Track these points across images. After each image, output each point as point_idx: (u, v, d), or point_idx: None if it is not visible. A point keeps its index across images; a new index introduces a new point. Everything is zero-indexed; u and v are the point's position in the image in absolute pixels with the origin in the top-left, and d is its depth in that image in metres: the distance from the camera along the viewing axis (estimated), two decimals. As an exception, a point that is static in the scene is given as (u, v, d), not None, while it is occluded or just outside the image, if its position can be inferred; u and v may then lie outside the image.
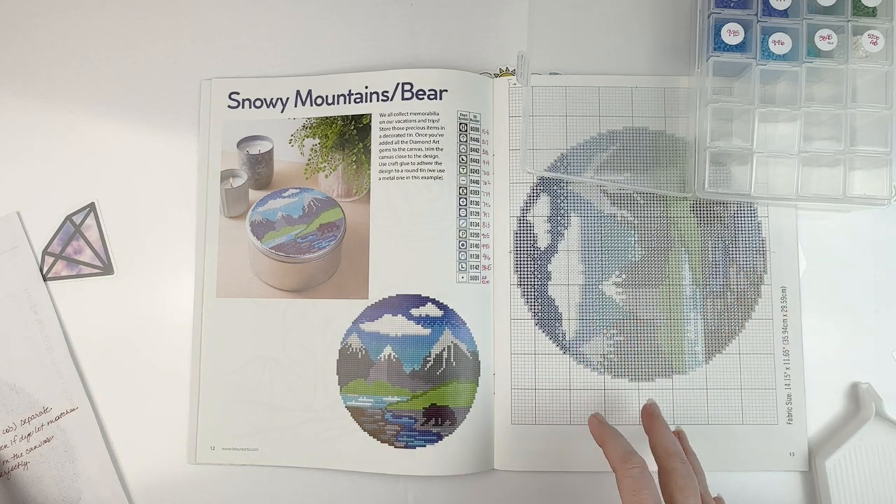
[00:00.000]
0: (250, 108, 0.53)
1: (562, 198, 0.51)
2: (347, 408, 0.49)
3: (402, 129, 0.51)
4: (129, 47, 0.54)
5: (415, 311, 0.49)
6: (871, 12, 0.47)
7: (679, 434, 0.45)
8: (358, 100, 0.52)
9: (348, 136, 0.52)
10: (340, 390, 0.49)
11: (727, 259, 0.50)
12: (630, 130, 0.51)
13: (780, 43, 0.47)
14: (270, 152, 0.52)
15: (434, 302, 0.49)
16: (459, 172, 0.50)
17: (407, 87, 0.51)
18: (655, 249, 0.50)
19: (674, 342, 0.49)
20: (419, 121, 0.50)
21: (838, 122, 0.47)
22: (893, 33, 0.46)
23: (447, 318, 0.49)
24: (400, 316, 0.49)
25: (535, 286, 0.50)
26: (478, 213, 0.50)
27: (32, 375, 0.50)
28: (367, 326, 0.49)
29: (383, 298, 0.49)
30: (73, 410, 0.50)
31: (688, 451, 0.43)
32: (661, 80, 0.51)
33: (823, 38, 0.47)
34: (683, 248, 0.50)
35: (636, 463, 0.38)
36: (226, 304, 0.51)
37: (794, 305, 0.49)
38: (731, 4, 0.47)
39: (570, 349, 0.49)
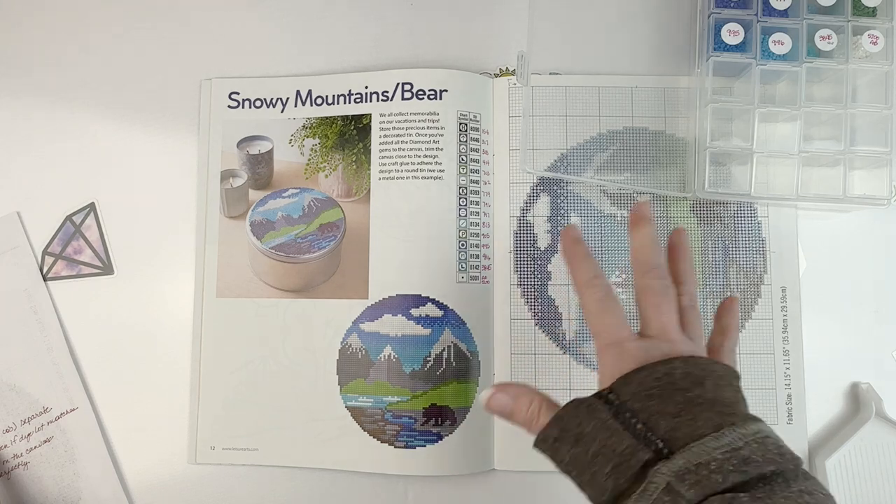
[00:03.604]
0: (250, 108, 0.53)
1: (562, 198, 0.51)
2: (347, 408, 0.49)
3: (402, 129, 0.51)
4: (129, 47, 0.54)
5: (415, 311, 0.49)
6: (871, 12, 0.47)
7: (679, 233, 0.39)
8: (358, 100, 0.52)
9: (348, 136, 0.52)
10: (340, 390, 0.49)
11: (727, 259, 0.50)
12: (630, 130, 0.51)
13: (780, 43, 0.47)
14: (270, 152, 0.52)
15: (434, 302, 0.49)
16: (459, 172, 0.50)
17: (407, 87, 0.51)
18: (655, 249, 0.50)
19: (674, 342, 0.49)
20: (419, 121, 0.50)
21: (838, 122, 0.47)
22: (893, 33, 0.46)
23: (447, 318, 0.49)
24: (400, 316, 0.49)
25: (535, 286, 0.50)
26: (478, 213, 0.50)
27: (32, 375, 0.50)
28: (367, 326, 0.49)
29: (383, 298, 0.49)
30: (73, 410, 0.50)
31: (682, 251, 0.38)
32: (661, 80, 0.51)
33: (823, 38, 0.47)
34: (683, 248, 0.50)
35: (602, 285, 0.34)
36: (226, 304, 0.51)
37: (794, 305, 0.49)
38: (731, 4, 0.47)
39: (570, 349, 0.49)
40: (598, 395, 0.31)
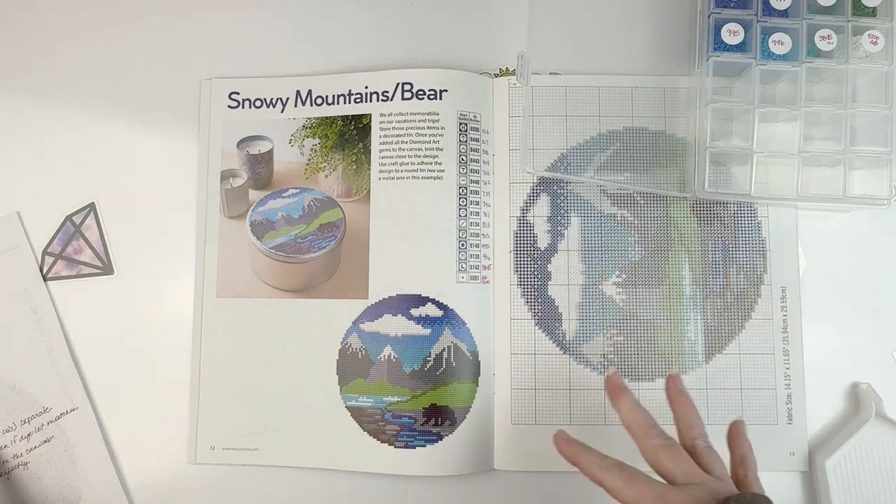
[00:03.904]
0: (250, 108, 0.53)
1: (562, 198, 0.51)
2: (347, 408, 0.49)
3: (402, 129, 0.51)
4: (130, 47, 0.54)
5: (415, 311, 0.49)
6: (871, 12, 0.47)
7: (672, 379, 0.41)
8: (358, 100, 0.52)
9: (348, 136, 0.52)
10: (340, 390, 0.49)
11: (727, 259, 0.50)
12: (630, 130, 0.51)
13: (780, 43, 0.47)
14: (270, 152, 0.52)
15: (434, 302, 0.49)
16: (459, 172, 0.50)
17: (407, 87, 0.51)
18: (655, 249, 0.50)
19: (674, 342, 0.49)
20: (419, 121, 0.51)
21: (838, 122, 0.47)
22: (893, 33, 0.46)
23: (447, 318, 0.49)
24: (400, 316, 0.49)
25: (535, 286, 0.50)
26: (478, 213, 0.50)
27: (32, 375, 0.50)
28: (367, 326, 0.49)
29: (383, 298, 0.49)
30: (73, 410, 0.50)
31: (683, 396, 0.40)
32: (661, 80, 0.51)
33: (823, 38, 0.47)
34: (683, 248, 0.50)
35: (613, 464, 0.36)
36: (226, 304, 0.51)
37: (794, 305, 0.49)
38: (731, 4, 0.47)
39: (570, 349, 0.49)
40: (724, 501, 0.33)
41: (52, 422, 0.50)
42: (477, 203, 0.50)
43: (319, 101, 0.52)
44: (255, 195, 0.52)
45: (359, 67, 0.53)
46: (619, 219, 0.51)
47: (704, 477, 0.35)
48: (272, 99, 0.53)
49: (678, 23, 0.52)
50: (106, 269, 0.52)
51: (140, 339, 0.51)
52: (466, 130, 0.51)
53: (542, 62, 0.51)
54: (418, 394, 0.48)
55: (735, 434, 0.40)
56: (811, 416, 0.48)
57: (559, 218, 0.51)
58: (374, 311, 0.49)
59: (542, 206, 0.51)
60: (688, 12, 0.52)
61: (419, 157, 0.50)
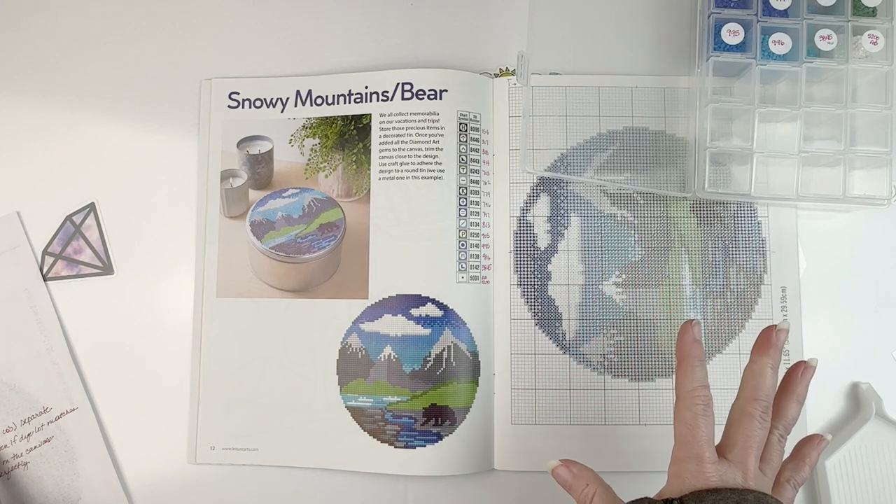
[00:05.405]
0: (250, 108, 0.53)
1: (562, 198, 0.51)
2: (347, 408, 0.49)
3: (402, 129, 0.51)
4: (129, 47, 0.54)
5: (415, 311, 0.49)
6: (871, 12, 0.47)
7: (808, 369, 0.39)
8: (358, 100, 0.52)
9: (348, 136, 0.52)
10: (340, 390, 0.49)
11: (727, 259, 0.50)
12: (630, 130, 0.51)
13: (780, 43, 0.47)
14: (270, 152, 0.52)
15: (434, 302, 0.49)
16: (459, 172, 0.50)
17: (407, 87, 0.51)
18: (655, 249, 0.50)
19: (674, 342, 0.49)
20: (419, 121, 0.51)
21: (838, 122, 0.47)
22: (893, 33, 0.46)
23: (447, 318, 0.49)
24: (400, 316, 0.49)
25: (535, 286, 0.50)
26: (478, 213, 0.50)
27: (32, 375, 0.50)
28: (367, 326, 0.49)
29: (383, 298, 0.49)
30: (73, 410, 0.50)
31: (799, 391, 0.38)
32: (661, 80, 0.51)
33: (823, 38, 0.47)
34: (683, 248, 0.50)
35: (705, 398, 0.36)
36: (226, 304, 0.51)
37: (794, 305, 0.49)
38: (731, 4, 0.47)
39: (570, 349, 0.49)
40: (668, 501, 0.34)
41: (52, 422, 0.50)
42: (477, 203, 0.50)
43: (319, 101, 0.52)
44: (255, 195, 0.52)
45: (359, 67, 0.53)
46: (619, 219, 0.51)
47: (752, 470, 0.34)
48: (272, 99, 0.53)
49: (678, 23, 0.52)
50: (106, 269, 0.52)
51: (140, 339, 0.51)
52: (466, 130, 0.51)
53: (542, 62, 0.51)
54: (418, 394, 0.48)
55: (813, 444, 0.39)
56: (811, 416, 0.48)
57: (559, 218, 0.51)
58: (374, 311, 0.49)
59: (542, 206, 0.51)
60: (688, 12, 0.52)
61: (419, 157, 0.50)
